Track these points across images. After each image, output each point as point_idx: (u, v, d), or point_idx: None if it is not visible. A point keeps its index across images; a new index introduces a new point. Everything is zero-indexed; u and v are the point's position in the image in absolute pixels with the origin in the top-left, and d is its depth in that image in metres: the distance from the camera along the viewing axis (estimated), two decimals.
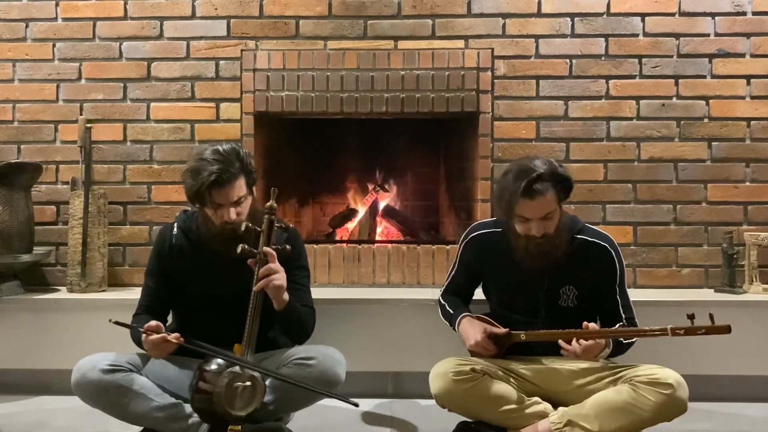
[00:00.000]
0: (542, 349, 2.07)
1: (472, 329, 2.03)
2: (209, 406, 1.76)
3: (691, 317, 1.81)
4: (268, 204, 1.92)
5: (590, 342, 1.85)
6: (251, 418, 1.82)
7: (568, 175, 1.99)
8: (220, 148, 1.97)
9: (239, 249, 1.83)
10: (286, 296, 1.93)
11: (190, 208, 2.19)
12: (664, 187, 2.86)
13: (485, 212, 2.82)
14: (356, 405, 1.77)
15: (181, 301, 2.12)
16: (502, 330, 2.02)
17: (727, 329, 1.81)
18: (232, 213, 1.94)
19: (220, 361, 1.80)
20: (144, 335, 1.85)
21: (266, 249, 1.89)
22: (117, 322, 1.80)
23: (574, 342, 1.87)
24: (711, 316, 1.81)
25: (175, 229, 2.12)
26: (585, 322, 1.90)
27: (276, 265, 1.89)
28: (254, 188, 2.08)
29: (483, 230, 2.19)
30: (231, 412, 1.75)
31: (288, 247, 1.94)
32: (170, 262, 2.09)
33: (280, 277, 1.89)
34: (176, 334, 1.86)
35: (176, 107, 2.89)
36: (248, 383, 1.77)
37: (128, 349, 2.00)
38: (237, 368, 1.78)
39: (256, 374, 1.79)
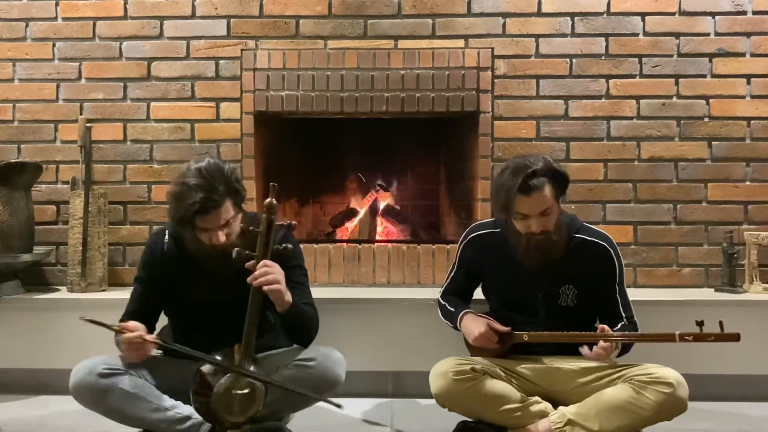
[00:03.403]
0: (543, 349, 2.07)
1: (475, 323, 2.03)
2: (207, 410, 1.74)
3: (700, 324, 1.81)
4: (267, 201, 1.78)
5: (606, 343, 1.85)
6: (251, 419, 1.81)
7: (564, 170, 2.00)
8: (203, 169, 1.84)
9: (234, 254, 1.76)
10: (288, 297, 1.85)
11: None
12: (665, 187, 2.85)
13: (485, 212, 2.81)
14: (340, 407, 1.69)
15: (176, 309, 2.07)
16: (504, 328, 2.02)
17: (736, 337, 1.80)
18: (221, 236, 1.86)
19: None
20: (121, 335, 1.78)
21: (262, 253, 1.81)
22: (90, 320, 1.71)
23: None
24: (720, 324, 1.81)
25: (167, 237, 2.04)
26: (600, 325, 1.90)
27: (275, 267, 1.81)
28: (243, 204, 1.97)
29: (482, 230, 2.19)
30: (228, 418, 1.73)
31: (289, 246, 1.84)
32: (162, 270, 2.02)
33: (280, 278, 1.80)
34: (154, 335, 1.79)
35: (176, 107, 2.89)
36: (246, 390, 1.73)
37: None
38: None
39: (256, 381, 1.74)
